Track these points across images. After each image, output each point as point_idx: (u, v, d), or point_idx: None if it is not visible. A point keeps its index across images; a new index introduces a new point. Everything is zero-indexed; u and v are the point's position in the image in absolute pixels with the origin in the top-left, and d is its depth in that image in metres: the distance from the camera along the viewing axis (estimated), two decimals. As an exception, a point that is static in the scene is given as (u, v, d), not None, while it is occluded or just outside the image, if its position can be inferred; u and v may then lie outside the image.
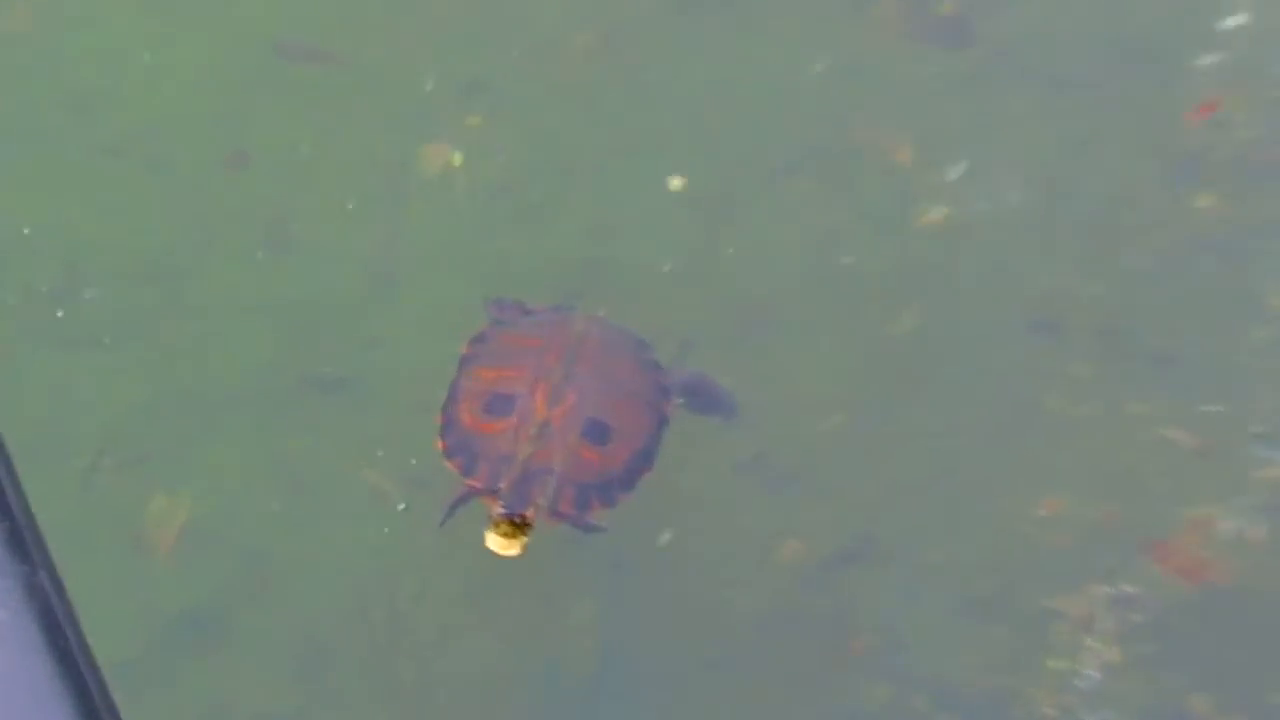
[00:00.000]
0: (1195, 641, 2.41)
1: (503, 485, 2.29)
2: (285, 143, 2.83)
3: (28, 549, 1.80)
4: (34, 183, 2.76)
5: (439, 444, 2.36)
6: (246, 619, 2.44)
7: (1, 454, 1.88)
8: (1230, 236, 2.74)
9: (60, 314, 2.62)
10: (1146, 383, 2.63)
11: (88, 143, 2.80)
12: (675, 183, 2.80)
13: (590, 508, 2.34)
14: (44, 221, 2.71)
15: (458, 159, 2.79)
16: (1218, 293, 2.72)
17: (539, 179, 2.80)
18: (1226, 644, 2.41)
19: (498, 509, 2.28)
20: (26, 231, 2.68)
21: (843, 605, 2.45)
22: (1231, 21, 2.89)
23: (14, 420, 1.94)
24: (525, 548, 2.29)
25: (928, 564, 2.48)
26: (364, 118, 2.85)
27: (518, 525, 2.28)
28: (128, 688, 1.82)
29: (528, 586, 2.45)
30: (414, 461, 2.51)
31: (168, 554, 2.46)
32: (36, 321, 2.60)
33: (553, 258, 2.71)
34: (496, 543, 2.28)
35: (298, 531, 2.49)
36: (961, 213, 2.76)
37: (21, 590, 1.69)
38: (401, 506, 2.49)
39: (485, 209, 2.77)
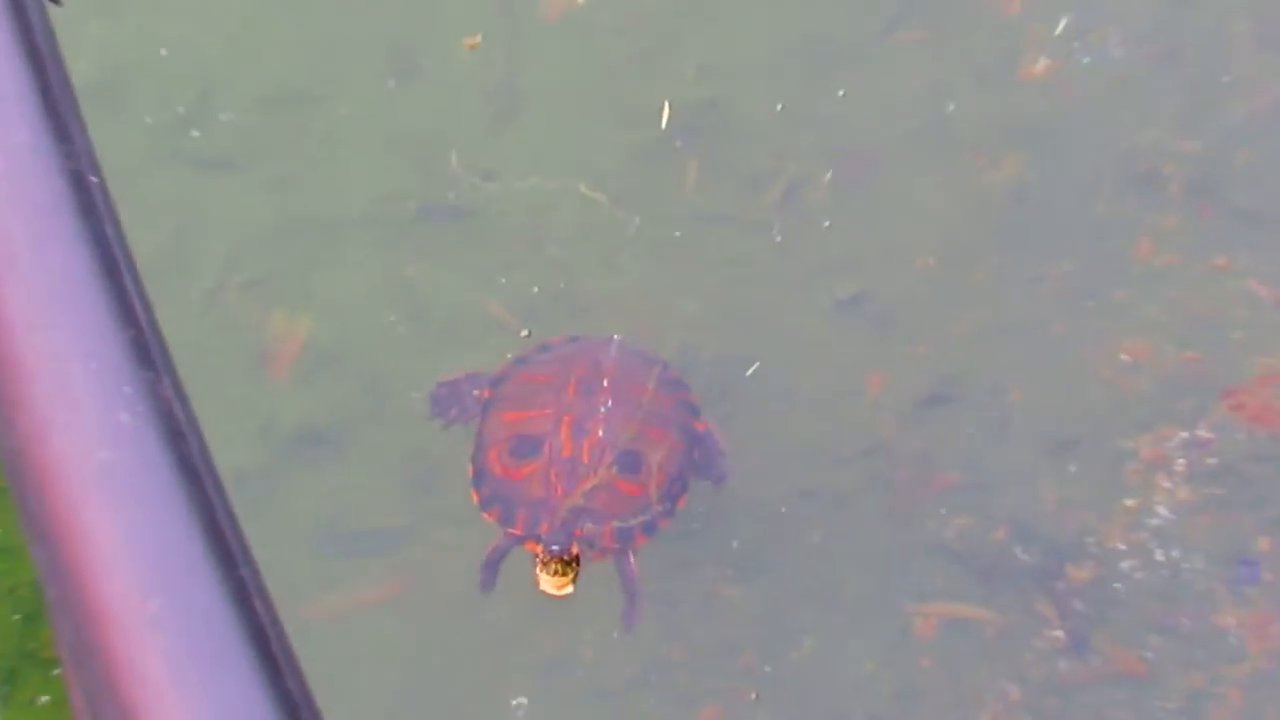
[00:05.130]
0: (1264, 486, 2.48)
1: (543, 529, 2.33)
2: (445, 43, 2.85)
3: (152, 357, 2.00)
4: (172, 6, 2.81)
5: (473, 496, 2.38)
6: (361, 437, 2.53)
7: (129, 264, 2.06)
8: None
9: (195, 134, 2.68)
10: (1233, 238, 2.66)
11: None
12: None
13: (634, 540, 2.37)
14: (181, 45, 2.74)
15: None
16: None
17: (655, 22, 2.81)
18: None
19: (543, 551, 2.32)
20: (164, 53, 2.72)
21: (930, 442, 2.52)
22: None
23: (144, 237, 2.13)
24: (575, 584, 2.32)
25: (1013, 405, 2.54)
26: None
27: (566, 563, 2.32)
28: (245, 499, 2.00)
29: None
30: (536, 290, 2.55)
31: (287, 373, 2.56)
32: (171, 141, 2.66)
33: (668, 95, 2.72)
34: (549, 583, 2.33)
35: (415, 355, 2.56)
36: (1065, 66, 2.78)
37: (145, 396, 1.88)
38: (525, 333, 2.53)
39: (603, 49, 2.78)
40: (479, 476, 2.41)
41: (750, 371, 2.57)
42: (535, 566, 2.34)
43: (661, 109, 2.75)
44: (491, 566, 2.38)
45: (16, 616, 2.43)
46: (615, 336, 2.51)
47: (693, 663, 2.41)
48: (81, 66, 2.22)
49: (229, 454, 1.99)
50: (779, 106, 2.78)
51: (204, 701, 1.75)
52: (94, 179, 2.11)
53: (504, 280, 2.65)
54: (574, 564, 2.33)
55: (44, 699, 2.36)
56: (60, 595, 1.91)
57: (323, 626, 1.95)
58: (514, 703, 2.34)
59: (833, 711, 2.41)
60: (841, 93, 2.79)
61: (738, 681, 2.40)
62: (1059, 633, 2.42)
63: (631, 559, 2.37)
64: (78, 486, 1.93)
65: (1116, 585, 2.44)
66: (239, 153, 2.73)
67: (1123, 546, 2.47)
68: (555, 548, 2.32)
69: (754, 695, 2.38)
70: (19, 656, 2.39)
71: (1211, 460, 2.52)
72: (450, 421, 2.50)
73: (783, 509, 2.52)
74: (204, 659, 1.78)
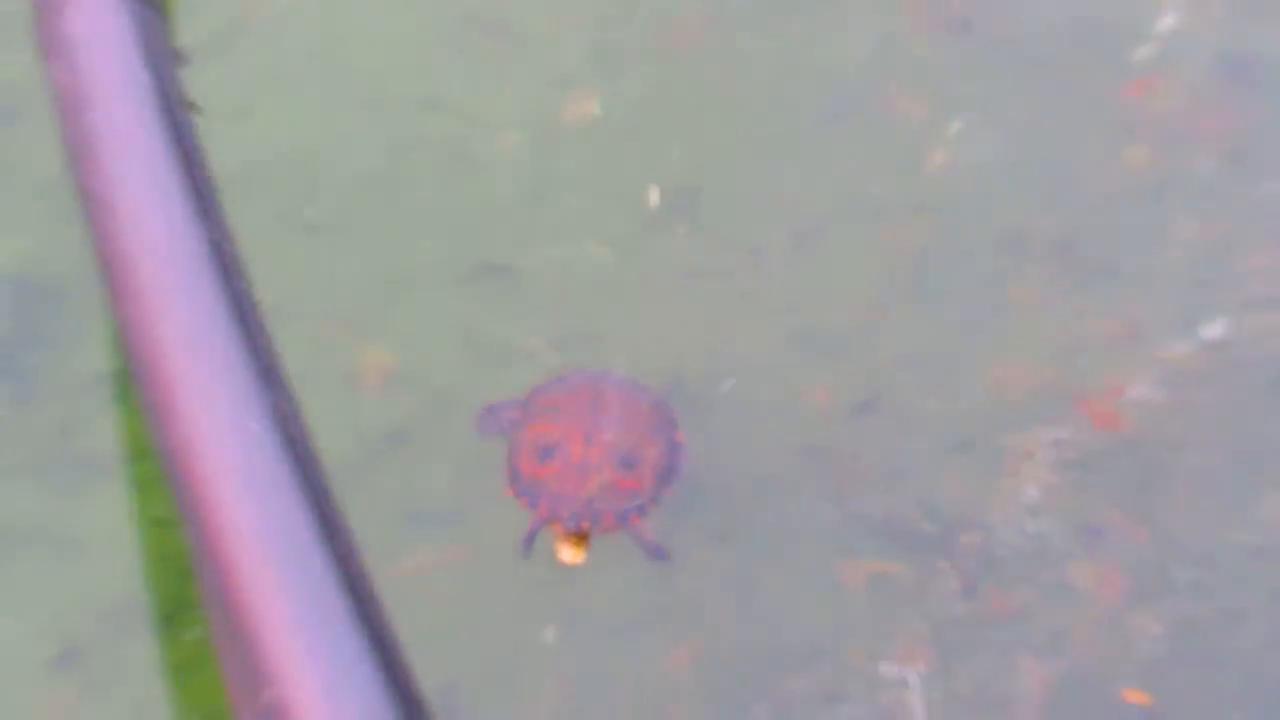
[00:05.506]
0: (1107, 473, 2.50)
1: (563, 514, 2.36)
2: (468, 92, 2.88)
3: (273, 379, 2.04)
4: (286, 115, 2.84)
5: (509, 491, 2.42)
6: (428, 439, 2.52)
7: (256, 309, 2.09)
8: (1155, 180, 2.77)
9: (306, 210, 2.72)
10: (1088, 286, 2.67)
11: (342, 99, 2.87)
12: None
13: (630, 520, 2.40)
14: (294, 142, 2.78)
15: (597, 106, 2.85)
16: (1141, 224, 2.74)
17: (650, 126, 2.84)
18: (1130, 473, 2.50)
19: (561, 530, 2.37)
20: (282, 149, 2.77)
21: (859, 442, 2.53)
22: (1161, 25, 2.88)
23: (267, 287, 2.17)
24: (586, 556, 2.38)
25: (921, 413, 2.56)
26: (530, 74, 2.91)
27: (579, 538, 2.37)
28: (342, 483, 1.97)
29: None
30: (560, 327, 2.60)
31: (374, 390, 2.55)
32: (287, 215, 2.70)
33: (660, 181, 2.76)
34: (566, 554, 2.38)
35: (470, 376, 2.57)
36: (957, 158, 2.80)
37: (270, 410, 1.92)
38: (555, 357, 2.57)
39: (614, 146, 2.81)
40: (512, 476, 2.43)
41: (727, 388, 2.58)
42: (555, 541, 2.39)
43: (650, 191, 2.77)
44: (529, 540, 2.38)
45: (173, 573, 2.43)
46: (615, 370, 2.54)
47: (676, 608, 2.40)
48: (220, 159, 2.26)
49: (331, 450, 2.04)
50: (743, 188, 2.80)
51: (311, 638, 1.79)
52: (228, 245, 2.17)
53: (536, 320, 2.66)
54: (585, 539, 2.38)
55: (192, 635, 2.38)
56: (202, 558, 1.95)
57: (401, 582, 1.96)
58: (546, 633, 2.34)
59: (782, 643, 2.38)
60: (793, 177, 2.79)
61: (711, 621, 2.39)
62: (955, 584, 2.41)
63: (644, 529, 2.40)
64: (216, 477, 1.98)
65: (997, 548, 2.44)
66: (339, 222, 2.73)
67: (1001, 519, 2.47)
68: (570, 525, 2.36)
69: (722, 637, 2.38)
70: (175, 604, 2.43)
71: (1069, 454, 2.52)
72: (490, 436, 2.50)
73: (744, 493, 2.51)
74: (312, 604, 1.83)
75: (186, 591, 2.33)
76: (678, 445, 2.46)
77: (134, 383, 2.03)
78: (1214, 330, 2.61)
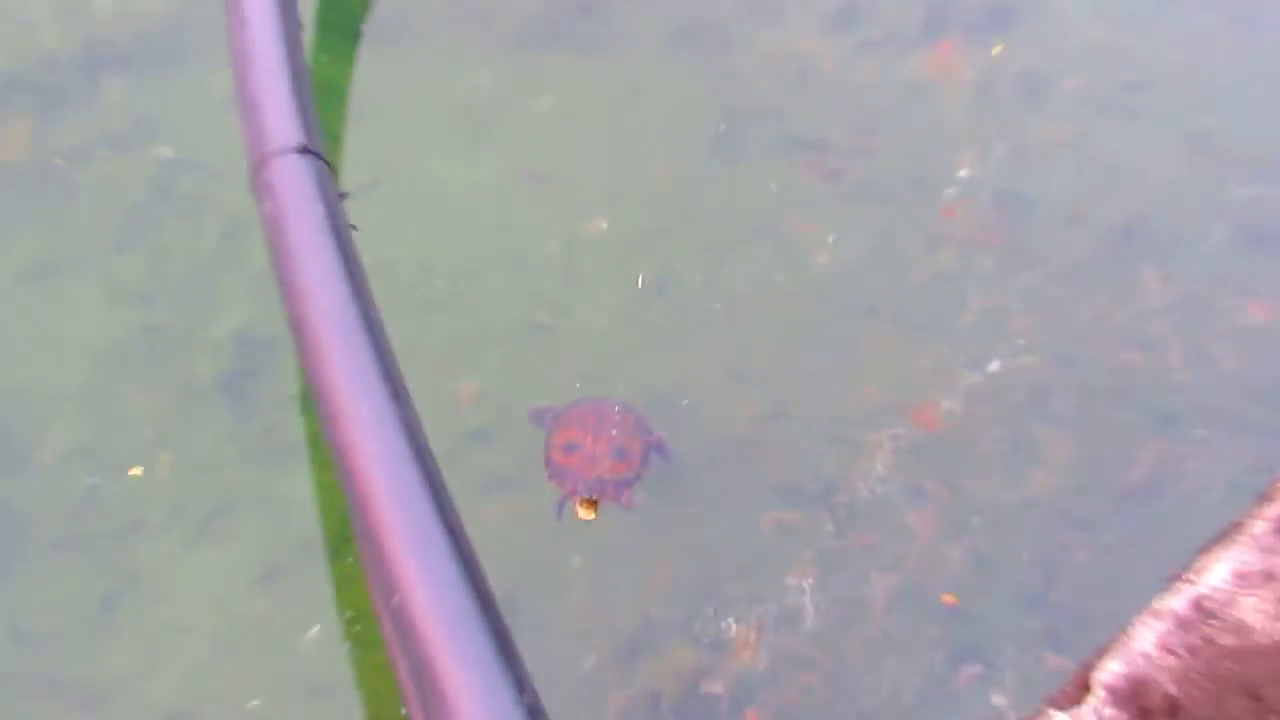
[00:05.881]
0: (924, 456, 2.51)
1: (581, 488, 2.37)
2: (522, 216, 2.82)
3: (403, 398, 2.01)
4: (408, 235, 2.77)
5: (546, 473, 2.42)
6: (498, 437, 2.52)
7: (390, 354, 2.03)
8: (957, 270, 2.72)
9: (421, 289, 2.66)
10: (915, 338, 2.64)
11: (442, 222, 2.81)
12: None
13: (624, 492, 2.38)
14: (419, 251, 2.71)
15: (605, 225, 2.83)
16: (948, 299, 2.71)
17: (641, 235, 2.80)
18: (942, 456, 2.51)
19: (580, 497, 2.38)
20: (409, 253, 2.68)
21: (775, 436, 2.53)
22: (961, 174, 2.88)
23: (396, 338, 2.09)
24: (597, 515, 2.37)
25: (817, 417, 2.55)
26: (562, 205, 2.85)
27: (593, 503, 2.37)
28: (444, 463, 1.94)
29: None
30: (578, 385, 2.57)
31: (466, 406, 2.56)
32: (414, 295, 2.65)
33: (645, 269, 2.73)
34: (583, 514, 2.37)
35: (524, 397, 2.55)
36: (834, 258, 2.76)
37: (399, 417, 1.92)
38: (577, 385, 2.56)
39: (616, 250, 2.79)
40: (548, 464, 2.43)
41: (685, 404, 2.57)
42: (576, 505, 2.41)
43: (638, 277, 2.74)
44: (559, 507, 2.39)
45: (338, 519, 2.43)
46: (613, 396, 2.53)
47: (655, 545, 2.42)
48: (368, 257, 2.23)
49: (437, 441, 2.03)
50: (696, 277, 2.73)
51: (421, 561, 1.79)
52: (374, 312, 2.15)
53: (567, 360, 2.64)
54: (595, 505, 2.39)
55: (350, 559, 2.39)
56: (354, 510, 1.96)
57: (479, 525, 1.89)
58: (573, 559, 2.36)
59: (723, 565, 2.38)
60: (730, 270, 2.75)
61: (677, 552, 2.40)
62: (831, 527, 2.42)
63: (631, 496, 2.40)
64: (364, 459, 1.96)
65: (858, 504, 2.45)
66: (442, 298, 2.69)
67: (861, 485, 2.48)
68: (586, 495, 2.38)
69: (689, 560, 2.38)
70: (339, 539, 2.44)
71: (903, 444, 2.53)
72: (538, 425, 2.50)
73: (696, 471, 2.51)
74: (422, 539, 1.83)
75: (345, 531, 2.37)
76: (657, 441, 2.46)
77: (312, 399, 2.01)
78: (993, 366, 2.62)
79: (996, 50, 3.02)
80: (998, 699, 2.20)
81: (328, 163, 2.25)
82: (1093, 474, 2.45)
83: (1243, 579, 1.74)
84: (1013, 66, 3.00)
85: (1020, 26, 3.06)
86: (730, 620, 2.28)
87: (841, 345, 2.64)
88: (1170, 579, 1.81)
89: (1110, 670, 1.74)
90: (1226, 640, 1.69)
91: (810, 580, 2.34)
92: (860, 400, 2.56)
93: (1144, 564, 2.29)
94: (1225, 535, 1.85)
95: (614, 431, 2.43)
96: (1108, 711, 1.71)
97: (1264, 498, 1.91)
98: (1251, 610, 1.70)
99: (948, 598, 2.33)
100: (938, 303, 2.69)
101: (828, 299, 2.70)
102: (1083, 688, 1.78)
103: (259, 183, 2.19)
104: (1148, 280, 2.69)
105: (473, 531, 1.84)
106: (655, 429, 2.49)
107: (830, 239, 2.77)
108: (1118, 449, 2.48)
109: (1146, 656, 1.72)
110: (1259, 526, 1.83)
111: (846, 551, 2.38)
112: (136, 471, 2.44)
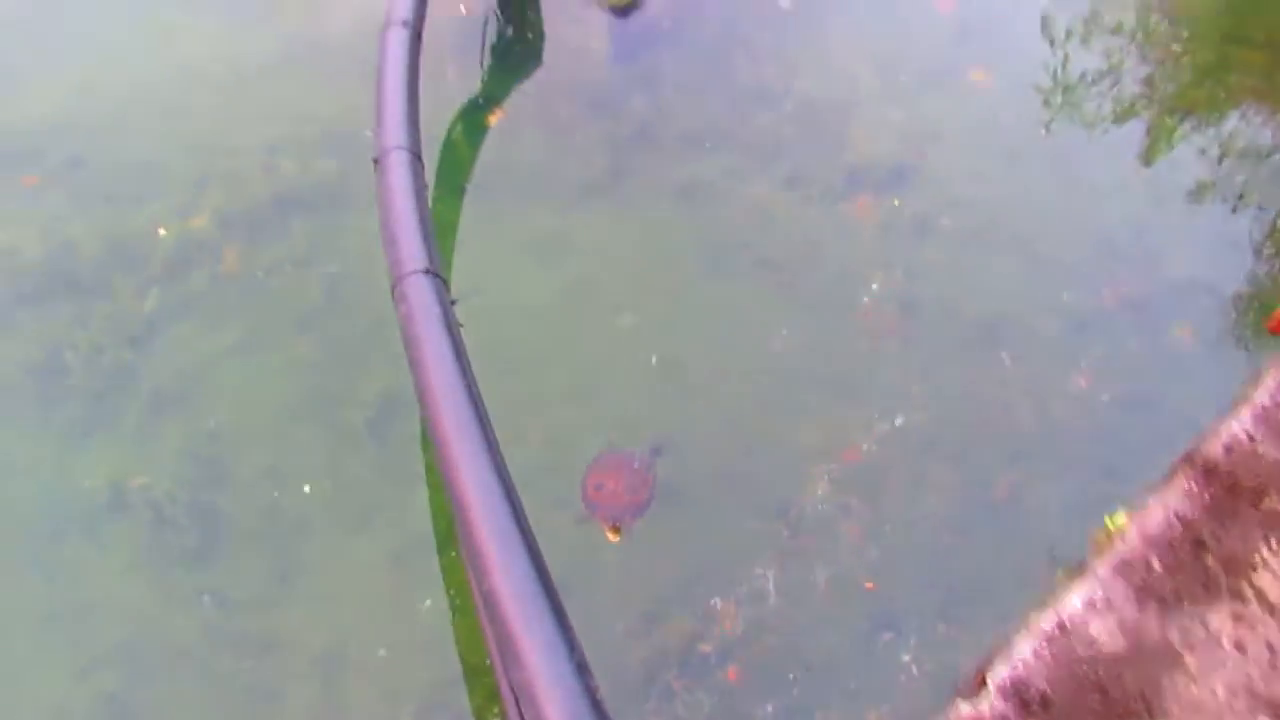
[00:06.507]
0: (854, 483, 2.45)
1: (608, 519, 2.31)
2: (565, 312, 2.72)
3: (492, 445, 1.88)
4: (500, 328, 2.64)
5: (583, 508, 2.35)
6: (554, 471, 2.43)
7: (484, 414, 1.91)
8: (871, 353, 2.64)
9: (501, 365, 2.50)
10: (843, 399, 2.56)
11: (518, 324, 2.71)
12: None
13: (637, 519, 2.32)
14: (503, 341, 2.60)
15: (630, 319, 2.70)
16: (866, 374, 2.62)
17: (656, 327, 2.71)
18: (863, 483, 2.45)
19: (609, 523, 2.31)
20: (498, 341, 2.56)
21: (744, 470, 2.44)
22: (874, 285, 2.78)
23: (490, 402, 1.93)
24: (620, 537, 2.30)
25: (772, 457, 2.46)
26: (599, 303, 2.77)
27: (616, 529, 2.31)
28: (521, 487, 1.81)
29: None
30: (610, 419, 2.48)
31: (535, 447, 2.45)
32: (496, 366, 2.41)
33: (657, 352, 2.64)
34: (610, 537, 2.30)
35: (575, 442, 2.46)
36: (784, 348, 2.67)
37: (490, 458, 1.80)
38: (611, 436, 2.48)
39: (641, 338, 2.68)
40: (585, 499, 2.38)
41: (678, 445, 2.48)
42: (606, 530, 2.34)
43: (652, 357, 2.67)
44: (589, 515, 2.33)
45: (446, 521, 2.37)
46: (635, 449, 2.46)
47: (660, 548, 2.34)
48: (470, 343, 2.11)
49: (515, 471, 1.87)
50: (695, 355, 2.63)
51: (502, 556, 1.72)
52: (474, 386, 2.07)
53: (602, 415, 2.57)
54: (619, 530, 2.32)
55: (455, 551, 2.34)
56: (458, 517, 1.90)
57: (544, 532, 1.77)
58: (606, 556, 2.30)
59: (711, 561, 2.31)
60: (706, 352, 2.65)
61: (677, 552, 2.34)
62: (787, 532, 2.36)
63: (634, 520, 2.31)
64: (464, 484, 1.90)
65: (804, 518, 2.39)
66: (517, 369, 2.60)
67: (809, 504, 2.42)
68: (612, 523, 2.32)
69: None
70: (447, 538, 2.40)
71: (837, 475, 2.47)
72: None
73: (689, 493, 2.44)
74: (503, 538, 1.76)
75: (451, 533, 2.33)
76: (653, 482, 2.41)
77: (430, 441, 1.94)
78: (900, 420, 2.57)
79: (897, 202, 3.03)
80: (904, 656, 2.17)
81: (443, 279, 2.24)
82: (967, 495, 2.44)
83: (1091, 605, 1.76)
84: (907, 211, 3.01)
85: (912, 185, 3.08)
86: (716, 599, 2.25)
87: (793, 405, 2.61)
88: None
89: (998, 672, 1.74)
90: (1081, 651, 1.68)
91: (772, 571, 2.30)
92: (806, 443, 2.54)
93: (1005, 556, 2.28)
94: (1077, 572, 1.87)
95: (628, 475, 2.38)
96: (998, 703, 1.69)
97: (1099, 543, 1.93)
98: (1098, 629, 1.71)
99: (869, 584, 2.30)
100: (859, 376, 2.58)
101: (783, 372, 2.67)
102: (980, 683, 1.77)
103: (396, 293, 2.18)
104: (1004, 360, 2.68)
105: (540, 538, 1.78)
106: (658, 461, 2.42)
107: (784, 331, 2.68)
108: (984, 477, 2.47)
109: (1025, 662, 1.71)
110: (1101, 568, 1.85)
111: (797, 550, 2.36)
112: (307, 489, 2.44)
